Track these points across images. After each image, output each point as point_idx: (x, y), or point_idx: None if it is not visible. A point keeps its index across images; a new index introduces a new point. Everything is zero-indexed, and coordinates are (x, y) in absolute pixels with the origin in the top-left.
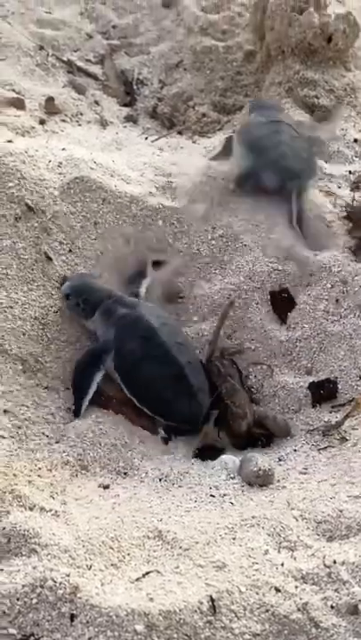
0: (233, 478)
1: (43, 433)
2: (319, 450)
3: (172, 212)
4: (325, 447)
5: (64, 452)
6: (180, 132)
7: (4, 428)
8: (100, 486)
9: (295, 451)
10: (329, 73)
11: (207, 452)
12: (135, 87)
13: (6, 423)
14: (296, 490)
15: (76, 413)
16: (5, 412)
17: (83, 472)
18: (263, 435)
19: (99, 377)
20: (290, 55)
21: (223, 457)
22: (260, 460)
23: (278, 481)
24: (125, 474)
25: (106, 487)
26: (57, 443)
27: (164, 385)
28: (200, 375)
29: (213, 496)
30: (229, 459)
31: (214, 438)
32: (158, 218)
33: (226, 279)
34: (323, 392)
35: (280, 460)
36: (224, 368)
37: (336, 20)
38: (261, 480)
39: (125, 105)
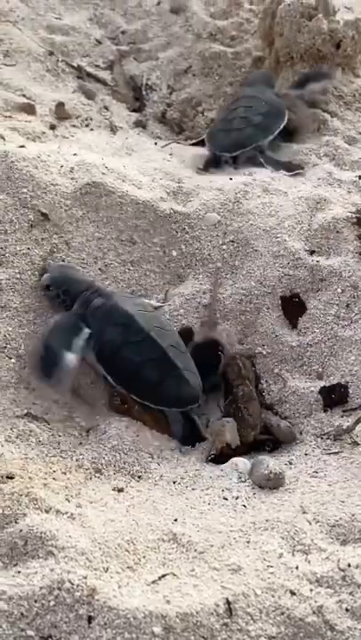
0: (244, 481)
1: (59, 436)
2: (330, 454)
3: (183, 217)
4: (337, 452)
5: (81, 455)
6: (189, 138)
7: (21, 433)
8: (114, 489)
9: (306, 455)
10: (338, 79)
11: (221, 458)
12: (144, 92)
13: (22, 427)
14: (308, 493)
15: (48, 374)
16: (21, 416)
17: (97, 475)
18: (270, 440)
19: (80, 341)
20: (299, 61)
21: (234, 459)
22: (272, 463)
23: (289, 484)
24: (140, 477)
25: (120, 490)
26: (75, 447)
27: (148, 369)
28: (185, 357)
29: (226, 499)
30: (240, 461)
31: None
32: (170, 223)
33: (237, 284)
34: (334, 396)
35: (290, 463)
36: (245, 369)
37: (345, 27)
38: (272, 483)
39: (135, 110)
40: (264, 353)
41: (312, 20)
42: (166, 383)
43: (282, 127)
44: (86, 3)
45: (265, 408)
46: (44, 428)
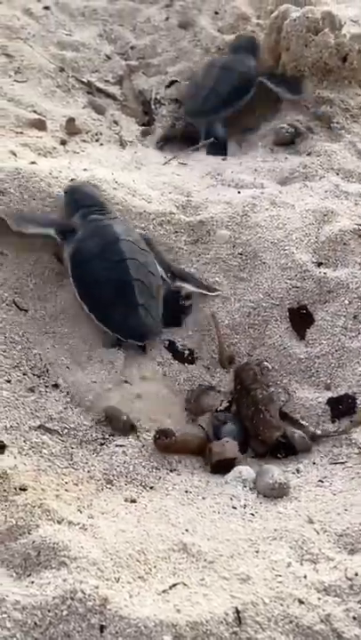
0: (250, 490)
1: (71, 448)
2: (337, 463)
3: (192, 230)
4: (343, 461)
5: (93, 466)
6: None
7: (34, 445)
8: (126, 500)
9: (314, 463)
10: (344, 92)
11: (222, 466)
12: (153, 107)
13: (35, 440)
14: (315, 502)
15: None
16: (34, 428)
17: (108, 486)
18: (285, 445)
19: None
20: (308, 76)
21: (238, 467)
22: (277, 472)
23: (296, 492)
24: (152, 487)
25: (133, 501)
26: (87, 458)
27: (107, 288)
28: (150, 297)
29: (235, 507)
30: (245, 469)
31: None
32: (180, 236)
33: (245, 297)
34: (341, 407)
35: (298, 471)
36: (262, 375)
37: (351, 40)
38: (277, 492)
39: (144, 124)
40: (272, 365)
41: (318, 34)
42: (119, 309)
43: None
44: (96, 19)
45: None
46: (57, 440)
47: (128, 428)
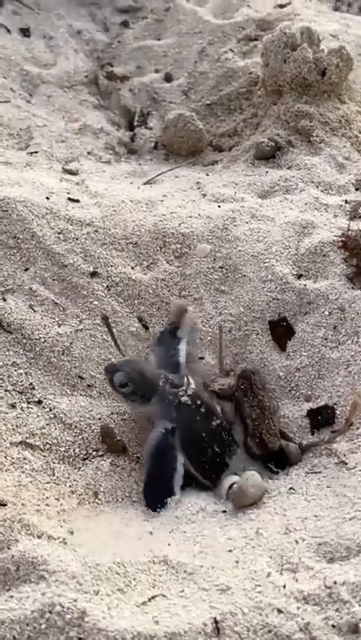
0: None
1: (53, 463)
2: (316, 472)
3: (174, 244)
4: (319, 471)
5: (75, 481)
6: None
7: (15, 461)
8: (106, 514)
9: (293, 473)
10: (324, 106)
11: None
12: (137, 122)
13: (16, 455)
14: (294, 511)
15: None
16: (16, 444)
17: (90, 501)
18: (278, 457)
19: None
20: (287, 91)
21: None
22: (235, 478)
23: (273, 502)
24: (134, 501)
25: (110, 514)
26: (69, 473)
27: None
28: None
29: (214, 518)
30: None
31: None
32: (162, 250)
33: (226, 310)
34: (320, 418)
35: (270, 479)
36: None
37: (329, 55)
38: (232, 497)
39: (131, 139)
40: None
41: (297, 49)
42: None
43: None
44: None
45: None
46: (38, 456)
47: (120, 449)
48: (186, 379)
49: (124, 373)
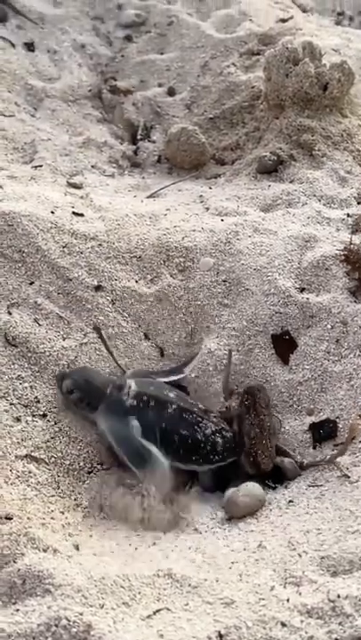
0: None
1: (58, 477)
2: (318, 486)
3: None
4: (320, 484)
5: (79, 494)
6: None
7: (20, 474)
8: (111, 528)
9: (294, 486)
10: (326, 120)
11: None
12: (140, 135)
13: (22, 469)
14: (296, 524)
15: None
16: (21, 457)
17: (95, 514)
18: (276, 473)
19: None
20: (289, 105)
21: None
22: (231, 491)
23: (273, 515)
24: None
25: (117, 528)
26: (74, 487)
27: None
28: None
29: (216, 531)
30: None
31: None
32: (165, 264)
33: (229, 324)
34: (322, 432)
35: (274, 490)
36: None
37: (331, 69)
38: (226, 509)
39: (135, 153)
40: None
41: (299, 64)
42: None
43: None
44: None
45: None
46: (43, 469)
47: None
48: (126, 382)
49: (72, 380)
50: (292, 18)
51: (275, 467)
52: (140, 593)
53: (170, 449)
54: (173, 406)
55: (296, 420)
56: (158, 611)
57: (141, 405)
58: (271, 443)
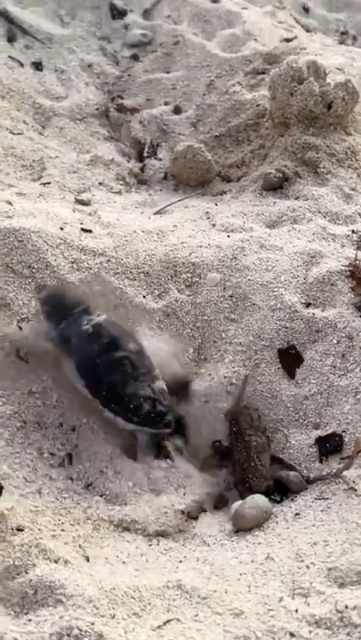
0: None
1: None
2: (325, 499)
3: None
4: (326, 497)
5: (89, 506)
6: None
7: (29, 487)
8: (121, 540)
9: (300, 499)
10: (330, 138)
11: None
12: (147, 153)
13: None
14: (304, 536)
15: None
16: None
17: (104, 526)
18: (280, 487)
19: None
20: (294, 123)
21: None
22: (237, 504)
23: (280, 527)
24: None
25: (127, 540)
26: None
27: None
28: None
29: (224, 544)
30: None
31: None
32: (173, 279)
33: (236, 339)
34: (328, 446)
35: (280, 503)
36: (257, 420)
37: (335, 88)
38: (233, 521)
39: (142, 169)
40: (263, 407)
41: (303, 83)
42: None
43: None
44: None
45: (273, 461)
46: (54, 483)
47: None
48: (96, 312)
49: (45, 294)
50: (296, 37)
51: (275, 480)
52: (150, 604)
53: (97, 387)
54: (123, 354)
55: (302, 434)
56: (168, 621)
57: (93, 337)
58: (261, 460)
